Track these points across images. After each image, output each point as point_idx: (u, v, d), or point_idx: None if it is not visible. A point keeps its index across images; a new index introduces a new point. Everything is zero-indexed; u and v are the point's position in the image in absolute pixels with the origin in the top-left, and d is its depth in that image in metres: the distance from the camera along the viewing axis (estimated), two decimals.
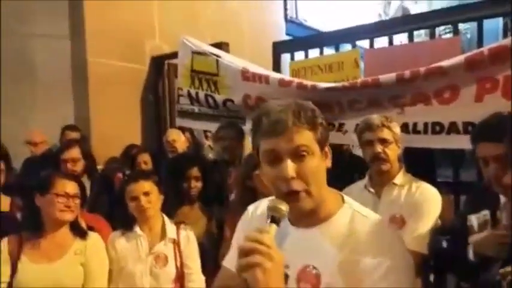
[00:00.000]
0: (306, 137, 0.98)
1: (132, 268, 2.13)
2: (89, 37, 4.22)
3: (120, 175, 3.34)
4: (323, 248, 1.00)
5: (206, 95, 3.37)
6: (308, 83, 2.77)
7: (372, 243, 0.97)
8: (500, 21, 4.36)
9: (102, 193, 2.98)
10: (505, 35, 3.33)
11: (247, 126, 3.14)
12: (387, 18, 7.53)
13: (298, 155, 0.97)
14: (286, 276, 0.99)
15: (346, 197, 1.09)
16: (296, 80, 2.87)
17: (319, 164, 1.00)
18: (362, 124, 2.14)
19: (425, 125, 2.43)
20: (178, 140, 3.59)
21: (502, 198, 1.64)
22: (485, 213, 1.66)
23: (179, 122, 3.72)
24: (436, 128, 2.40)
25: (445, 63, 2.28)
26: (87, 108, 4.27)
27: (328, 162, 1.04)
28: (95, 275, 2.02)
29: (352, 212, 1.04)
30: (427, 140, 2.45)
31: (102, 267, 2.08)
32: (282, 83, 2.86)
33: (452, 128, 2.35)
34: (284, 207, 0.95)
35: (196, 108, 3.49)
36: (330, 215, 1.04)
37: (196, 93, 3.43)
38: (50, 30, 4.30)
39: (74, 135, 3.67)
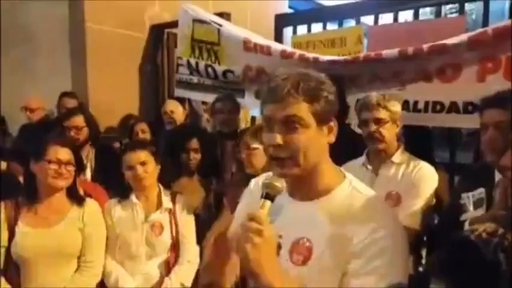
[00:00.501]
0: (299, 108, 0.97)
1: (128, 236, 2.15)
2: (87, 2, 4.12)
3: (117, 145, 3.34)
4: (319, 222, 1.01)
5: (206, 65, 3.30)
6: (310, 55, 2.73)
7: (368, 219, 0.97)
8: (506, 2, 4.28)
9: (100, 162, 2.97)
10: (511, 17, 3.28)
11: (246, 99, 3.12)
12: None
13: (289, 124, 0.98)
14: (279, 246, 1.01)
15: (347, 174, 1.09)
16: (298, 51, 2.82)
17: (313, 137, 0.99)
18: (360, 102, 2.15)
19: (426, 103, 2.43)
20: (176, 111, 3.57)
21: (497, 176, 1.66)
22: (481, 191, 1.69)
23: (177, 92, 3.67)
24: (437, 107, 2.39)
25: (448, 41, 2.26)
26: (85, 75, 4.19)
27: (331, 138, 1.03)
28: (93, 241, 2.04)
29: (351, 189, 1.04)
30: (427, 118, 2.44)
31: (100, 234, 2.10)
32: (284, 54, 2.82)
33: (453, 108, 2.34)
34: (279, 184, 0.97)
35: (195, 79, 3.42)
36: (329, 190, 1.04)
37: (196, 63, 3.37)
38: None
39: (72, 102, 3.64)
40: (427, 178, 2.01)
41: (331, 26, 3.38)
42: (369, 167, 2.13)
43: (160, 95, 4.59)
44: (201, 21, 3.31)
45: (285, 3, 5.65)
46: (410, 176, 2.02)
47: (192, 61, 3.38)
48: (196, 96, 3.57)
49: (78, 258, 2.02)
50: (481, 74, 2.23)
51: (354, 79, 2.62)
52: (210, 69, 3.30)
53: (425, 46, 2.31)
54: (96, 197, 2.25)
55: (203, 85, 3.37)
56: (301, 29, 3.52)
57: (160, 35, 4.51)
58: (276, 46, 2.97)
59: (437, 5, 2.86)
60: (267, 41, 3.06)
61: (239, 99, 3.07)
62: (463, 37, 2.24)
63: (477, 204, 1.70)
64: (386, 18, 3.17)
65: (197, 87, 3.42)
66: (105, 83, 4.19)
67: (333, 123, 1.03)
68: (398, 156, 2.08)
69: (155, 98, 4.61)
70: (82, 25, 4.11)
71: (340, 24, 3.30)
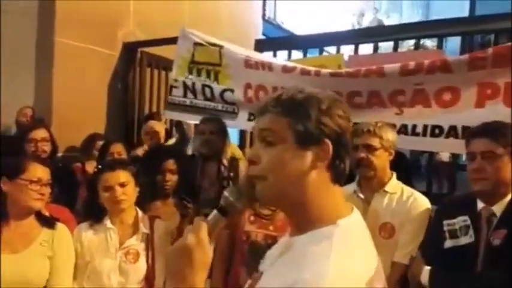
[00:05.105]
0: (275, 122, 0.86)
1: (99, 263, 1.96)
2: (59, 16, 3.95)
3: (79, 165, 3.14)
4: (279, 262, 0.87)
5: (203, 85, 3.25)
6: (312, 68, 2.73)
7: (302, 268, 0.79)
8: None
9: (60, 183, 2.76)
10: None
11: (238, 121, 3.07)
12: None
13: (263, 139, 0.88)
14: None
15: (346, 220, 0.85)
16: (299, 66, 2.83)
17: (287, 155, 0.85)
18: (353, 129, 2.11)
19: (425, 127, 2.39)
20: (161, 131, 3.44)
21: (479, 204, 1.67)
22: (465, 219, 1.67)
23: (168, 114, 3.59)
24: (436, 131, 2.35)
25: (450, 58, 2.27)
26: (50, 91, 3.99)
27: (319, 167, 0.85)
28: (62, 269, 1.85)
29: (324, 238, 0.81)
30: (425, 142, 2.41)
31: (70, 261, 1.90)
32: (285, 69, 2.83)
33: (451, 132, 2.31)
34: (231, 196, 0.89)
35: (188, 101, 3.34)
36: (309, 228, 0.84)
37: (193, 84, 3.29)
38: (17, 5, 3.98)
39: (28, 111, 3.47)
40: (422, 211, 1.96)
41: (311, 54, 3.41)
42: (361, 195, 2.04)
43: (130, 114, 4.43)
44: (202, 44, 3.29)
45: (260, 30, 5.72)
46: (405, 207, 1.96)
47: (188, 81, 3.31)
48: (187, 118, 3.47)
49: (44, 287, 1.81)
50: (480, 100, 2.21)
51: (353, 96, 2.57)
52: (207, 89, 3.24)
53: (426, 61, 2.30)
54: (64, 221, 2.05)
55: (195, 107, 3.29)
56: (280, 55, 3.54)
57: (133, 54, 4.40)
58: (277, 61, 3.01)
59: (416, 38, 2.94)
60: (267, 58, 3.10)
61: (231, 121, 3.01)
62: (465, 55, 2.24)
63: (463, 232, 1.68)
64: (365, 49, 3.23)
65: (189, 109, 3.33)
66: (71, 99, 3.99)
67: (323, 151, 0.85)
68: (391, 186, 2.02)
69: (124, 117, 4.43)
70: (51, 39, 3.93)
71: (321, 52, 3.33)
